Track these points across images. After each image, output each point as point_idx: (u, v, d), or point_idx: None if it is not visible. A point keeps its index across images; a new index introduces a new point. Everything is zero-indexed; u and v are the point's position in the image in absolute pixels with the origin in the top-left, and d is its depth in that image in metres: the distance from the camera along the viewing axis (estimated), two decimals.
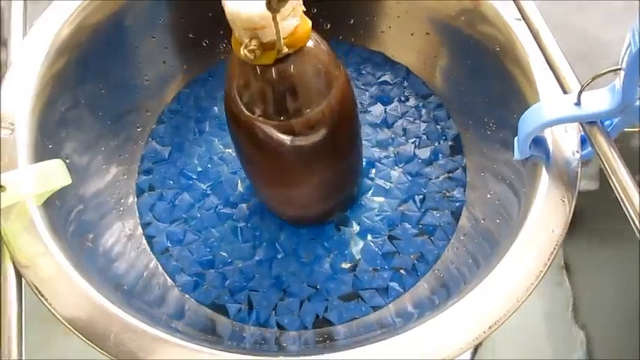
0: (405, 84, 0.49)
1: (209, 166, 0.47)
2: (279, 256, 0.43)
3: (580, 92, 0.31)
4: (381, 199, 0.44)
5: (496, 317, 0.29)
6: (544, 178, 0.34)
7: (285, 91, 0.30)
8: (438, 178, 0.45)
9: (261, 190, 0.42)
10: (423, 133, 0.47)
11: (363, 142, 0.47)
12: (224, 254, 0.43)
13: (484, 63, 0.42)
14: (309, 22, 0.29)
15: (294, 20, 0.28)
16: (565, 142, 0.35)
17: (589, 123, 0.32)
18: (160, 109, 0.48)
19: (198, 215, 0.44)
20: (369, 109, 0.49)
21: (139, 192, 0.46)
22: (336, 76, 0.32)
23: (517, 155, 0.36)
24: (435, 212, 0.44)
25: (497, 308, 0.30)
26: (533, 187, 0.34)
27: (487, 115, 0.42)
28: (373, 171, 0.46)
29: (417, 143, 0.47)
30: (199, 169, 0.46)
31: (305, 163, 0.35)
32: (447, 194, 0.44)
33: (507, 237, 0.34)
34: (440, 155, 0.46)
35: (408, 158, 0.46)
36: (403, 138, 0.47)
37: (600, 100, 0.31)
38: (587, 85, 0.31)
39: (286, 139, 0.32)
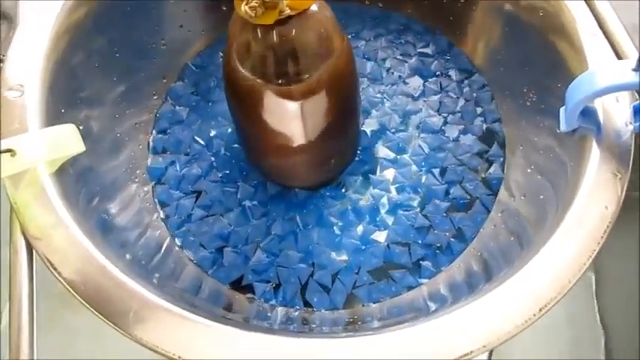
0: (448, 56, 0.47)
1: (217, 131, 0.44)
2: (299, 229, 0.40)
3: None
4: (392, 171, 0.42)
5: (547, 299, 0.27)
6: (594, 151, 0.31)
7: (284, 54, 0.30)
8: (472, 158, 0.43)
9: (262, 160, 0.40)
10: (459, 111, 0.45)
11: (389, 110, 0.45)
12: (240, 234, 0.41)
13: (524, 29, 0.39)
14: None
15: None
16: (617, 113, 0.32)
17: None
18: (176, 75, 0.46)
19: (205, 188, 0.42)
20: (407, 80, 0.46)
21: (153, 153, 0.44)
22: (337, 44, 0.32)
23: (563, 127, 0.34)
24: (465, 185, 0.41)
25: (548, 289, 0.27)
26: (582, 160, 0.32)
27: (526, 85, 0.40)
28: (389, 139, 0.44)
29: (448, 119, 0.44)
30: (213, 132, 0.44)
31: (303, 127, 0.34)
32: (479, 171, 0.42)
33: (554, 214, 0.31)
34: (471, 135, 0.44)
35: (434, 130, 0.44)
36: (435, 112, 0.45)
37: None
38: None
39: (284, 102, 0.32)
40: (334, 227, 0.40)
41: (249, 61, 0.31)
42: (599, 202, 0.30)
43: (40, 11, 0.36)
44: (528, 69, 0.40)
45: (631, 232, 0.51)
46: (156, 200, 0.42)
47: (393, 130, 0.44)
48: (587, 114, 0.33)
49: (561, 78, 0.35)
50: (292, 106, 0.32)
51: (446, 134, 0.44)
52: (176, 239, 0.40)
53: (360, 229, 0.40)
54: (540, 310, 0.27)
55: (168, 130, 0.44)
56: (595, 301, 0.55)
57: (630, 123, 0.32)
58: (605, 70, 0.30)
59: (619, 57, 0.31)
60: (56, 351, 0.47)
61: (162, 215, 0.41)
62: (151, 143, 0.44)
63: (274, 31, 0.29)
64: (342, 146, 0.40)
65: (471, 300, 0.27)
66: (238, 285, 0.39)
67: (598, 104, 0.33)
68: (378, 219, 0.40)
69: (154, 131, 0.44)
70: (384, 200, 0.41)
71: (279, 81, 0.31)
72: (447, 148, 0.43)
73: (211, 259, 0.40)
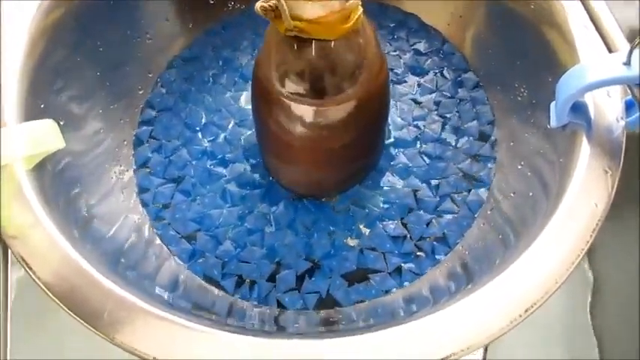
0: (441, 54, 0.45)
1: (215, 118, 0.44)
2: (270, 229, 0.40)
3: (631, 50, 0.28)
4: (395, 179, 0.41)
5: (532, 300, 0.26)
6: (584, 147, 0.31)
7: (318, 72, 0.30)
8: (464, 161, 0.41)
9: (278, 167, 0.40)
10: (456, 112, 0.43)
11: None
12: (213, 218, 0.40)
13: (516, 22, 0.38)
14: (352, 22, 0.28)
15: (320, 8, 0.26)
16: (608, 108, 0.32)
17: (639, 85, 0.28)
18: (163, 70, 0.45)
19: (192, 173, 0.42)
20: (403, 78, 0.45)
21: (138, 143, 0.43)
22: (375, 67, 0.31)
23: (553, 122, 0.33)
24: (456, 195, 0.40)
25: (534, 290, 0.27)
26: (572, 157, 0.31)
27: (517, 80, 0.39)
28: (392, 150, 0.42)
29: (446, 123, 0.43)
30: (204, 120, 0.44)
31: (329, 143, 0.35)
32: (473, 176, 0.41)
33: (542, 212, 0.31)
34: (468, 138, 0.42)
35: (433, 139, 0.42)
36: (434, 114, 0.43)
37: None
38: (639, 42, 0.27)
39: (313, 119, 0.32)
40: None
41: (282, 73, 0.30)
42: (588, 199, 0.29)
43: (18, 8, 0.35)
44: (519, 63, 0.39)
45: (630, 230, 0.50)
46: (138, 197, 0.41)
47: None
48: (578, 109, 0.32)
49: (552, 72, 0.34)
50: (322, 124, 0.33)
51: (440, 140, 0.42)
52: (155, 229, 0.40)
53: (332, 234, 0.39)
54: (526, 310, 0.26)
55: (156, 119, 0.44)
56: (589, 300, 0.54)
57: (622, 118, 0.31)
58: (596, 64, 0.29)
59: (610, 50, 0.31)
60: (47, 350, 0.46)
61: (143, 212, 0.41)
62: (137, 132, 0.43)
63: (310, 47, 0.28)
64: (367, 163, 0.40)
65: (455, 301, 0.27)
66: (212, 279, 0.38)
67: (589, 99, 0.32)
68: (353, 227, 0.40)
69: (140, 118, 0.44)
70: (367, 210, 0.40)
71: (311, 97, 0.31)
72: (445, 156, 0.42)
73: (189, 252, 0.39)
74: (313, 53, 0.29)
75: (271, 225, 0.40)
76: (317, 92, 0.30)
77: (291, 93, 0.31)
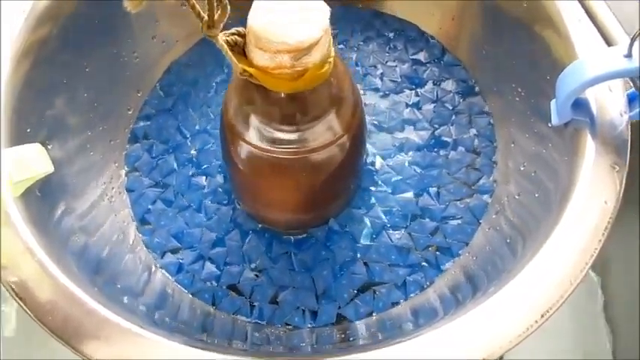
0: (442, 64, 0.44)
1: (209, 127, 0.43)
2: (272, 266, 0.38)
3: (632, 42, 0.27)
4: (389, 192, 0.40)
5: (548, 304, 0.25)
6: (589, 144, 0.30)
7: (277, 121, 0.29)
8: (460, 170, 0.40)
9: (256, 210, 0.39)
10: (451, 124, 0.42)
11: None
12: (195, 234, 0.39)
13: (509, 21, 0.38)
14: (307, 81, 0.26)
15: (269, 59, 0.25)
16: (610, 103, 0.31)
17: None
18: (152, 88, 0.44)
19: (175, 183, 0.41)
20: (398, 88, 0.44)
21: (133, 140, 0.42)
22: (348, 119, 0.31)
23: (555, 120, 0.32)
24: (458, 202, 0.39)
25: (549, 293, 0.26)
26: (577, 155, 0.30)
27: (514, 80, 0.38)
28: (381, 162, 0.41)
29: (441, 132, 0.42)
30: (197, 127, 0.43)
31: (305, 188, 0.34)
32: (473, 181, 0.40)
33: (550, 213, 0.30)
34: (463, 147, 0.41)
35: (419, 147, 0.41)
36: (427, 124, 0.42)
37: None
38: None
39: (287, 170, 0.31)
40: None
41: (243, 115, 0.30)
42: (598, 197, 0.28)
43: (3, 28, 0.34)
44: (515, 63, 0.38)
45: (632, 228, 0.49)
46: (131, 215, 0.40)
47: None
48: (580, 105, 0.31)
49: (550, 70, 0.33)
50: (296, 173, 0.32)
51: (436, 149, 0.41)
52: (153, 256, 0.39)
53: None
54: (542, 316, 0.25)
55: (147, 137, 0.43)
56: (601, 299, 0.53)
57: (625, 112, 0.31)
58: (596, 59, 0.29)
59: (609, 44, 0.30)
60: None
61: (139, 236, 0.39)
62: (126, 152, 0.42)
63: (281, 97, 0.27)
64: (344, 197, 0.39)
65: (466, 311, 0.26)
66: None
67: (590, 95, 0.31)
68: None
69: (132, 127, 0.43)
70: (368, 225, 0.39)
71: (282, 146, 0.30)
72: (438, 164, 0.41)
73: (177, 265, 0.38)
74: (272, 101, 0.28)
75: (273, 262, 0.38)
76: (274, 142, 0.30)
77: (251, 139, 0.30)
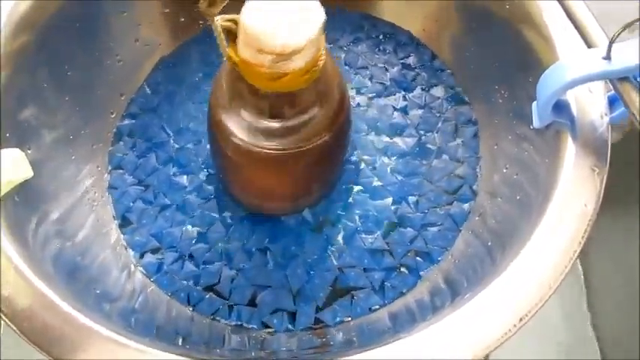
0: (431, 70, 0.44)
1: (191, 124, 0.43)
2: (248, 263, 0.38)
3: (610, 44, 0.27)
4: (367, 196, 0.40)
5: (527, 308, 0.25)
6: (570, 146, 0.30)
7: (281, 118, 0.29)
8: (442, 179, 0.40)
9: (241, 197, 0.39)
10: (437, 131, 0.42)
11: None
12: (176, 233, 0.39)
13: (490, 23, 0.38)
14: (287, 82, 0.26)
15: (251, 54, 0.25)
16: (591, 104, 0.31)
17: (621, 79, 0.28)
18: (135, 91, 0.44)
19: (155, 183, 0.41)
20: (387, 92, 0.43)
21: (117, 139, 0.42)
22: (335, 117, 0.31)
23: (536, 123, 0.32)
24: (437, 209, 0.39)
25: (527, 297, 0.26)
26: (558, 157, 0.30)
27: (497, 82, 0.38)
28: (366, 167, 0.41)
29: (426, 139, 0.41)
30: (181, 125, 0.43)
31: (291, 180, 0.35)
32: (452, 193, 0.39)
33: (531, 216, 0.30)
34: (447, 156, 0.41)
35: (403, 153, 0.41)
36: (414, 130, 0.42)
37: (634, 52, 0.27)
38: (618, 35, 0.27)
39: (275, 164, 0.31)
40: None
41: (237, 116, 0.30)
42: (578, 199, 0.28)
43: None
44: (498, 65, 0.38)
45: (619, 228, 0.49)
46: (112, 214, 0.40)
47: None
48: (560, 108, 0.31)
49: (532, 71, 0.33)
50: (282, 167, 0.32)
51: (419, 158, 0.41)
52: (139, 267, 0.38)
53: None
54: (520, 319, 0.25)
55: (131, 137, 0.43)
56: (586, 300, 0.53)
57: (606, 114, 0.31)
58: (575, 61, 0.29)
59: (589, 46, 0.30)
60: None
61: (120, 235, 0.39)
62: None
63: (271, 96, 0.27)
64: (324, 190, 0.39)
65: (444, 315, 0.26)
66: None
67: (571, 97, 0.31)
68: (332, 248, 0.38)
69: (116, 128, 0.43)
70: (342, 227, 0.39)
71: (270, 142, 0.30)
72: (420, 172, 0.40)
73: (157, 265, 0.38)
74: (257, 94, 0.28)
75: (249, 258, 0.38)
76: (259, 134, 0.30)
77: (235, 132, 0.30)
